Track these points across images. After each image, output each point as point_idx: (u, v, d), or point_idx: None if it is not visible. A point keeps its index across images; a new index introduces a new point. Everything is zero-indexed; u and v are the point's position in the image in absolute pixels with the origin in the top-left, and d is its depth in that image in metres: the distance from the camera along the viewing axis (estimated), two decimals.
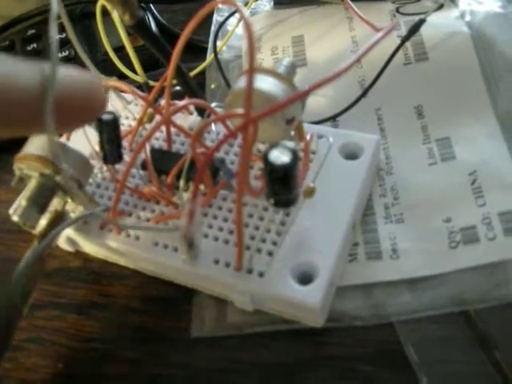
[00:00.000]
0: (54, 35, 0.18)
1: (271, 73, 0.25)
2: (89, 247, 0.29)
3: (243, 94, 0.21)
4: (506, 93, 0.29)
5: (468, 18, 0.32)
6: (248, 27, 0.21)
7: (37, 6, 0.40)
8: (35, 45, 0.38)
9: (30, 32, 0.39)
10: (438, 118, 0.29)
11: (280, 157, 0.21)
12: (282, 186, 0.22)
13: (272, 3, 0.37)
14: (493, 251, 0.25)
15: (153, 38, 0.27)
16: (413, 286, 0.26)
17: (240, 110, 0.22)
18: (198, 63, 0.35)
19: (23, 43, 0.38)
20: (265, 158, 0.21)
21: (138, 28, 0.26)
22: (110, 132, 0.26)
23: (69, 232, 0.28)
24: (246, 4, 0.37)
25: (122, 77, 0.32)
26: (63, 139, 0.30)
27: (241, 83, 0.24)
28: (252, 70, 0.21)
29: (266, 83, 0.24)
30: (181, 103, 0.27)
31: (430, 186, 0.28)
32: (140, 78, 0.31)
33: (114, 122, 0.26)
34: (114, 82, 0.29)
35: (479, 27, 0.32)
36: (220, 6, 0.38)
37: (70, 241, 0.29)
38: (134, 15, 0.26)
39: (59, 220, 0.27)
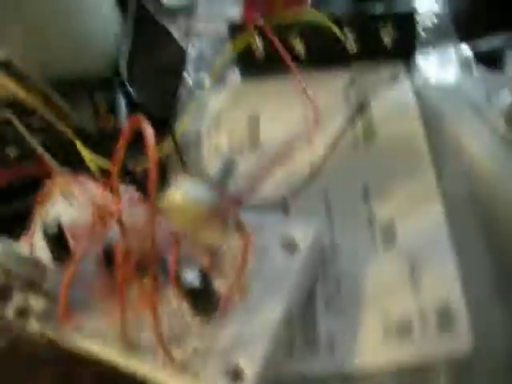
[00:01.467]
0: None
1: (199, 181, 0.26)
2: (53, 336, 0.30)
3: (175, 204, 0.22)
4: (452, 177, 0.30)
5: (421, 92, 0.33)
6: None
7: None
8: None
9: None
10: (383, 201, 0.30)
11: (191, 278, 0.22)
12: (196, 302, 0.23)
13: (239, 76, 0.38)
14: (425, 346, 0.26)
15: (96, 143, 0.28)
16: (346, 381, 0.26)
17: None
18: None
19: None
20: (177, 277, 0.22)
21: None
22: (53, 238, 0.28)
23: (34, 324, 0.30)
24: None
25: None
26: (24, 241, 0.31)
27: (178, 189, 0.25)
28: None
29: (192, 192, 0.25)
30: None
31: (371, 275, 0.28)
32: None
33: (57, 228, 0.28)
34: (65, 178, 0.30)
35: (430, 105, 0.32)
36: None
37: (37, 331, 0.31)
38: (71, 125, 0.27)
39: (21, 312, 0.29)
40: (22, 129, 0.28)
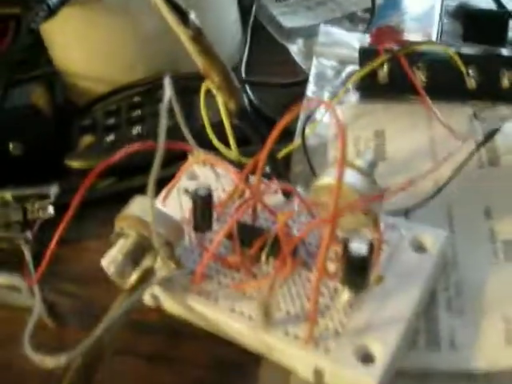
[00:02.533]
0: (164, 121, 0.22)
1: (354, 167, 0.27)
2: (169, 305, 0.32)
3: (330, 186, 0.24)
4: None
5: None
6: (341, 129, 0.24)
7: (144, 75, 0.44)
8: (139, 111, 0.42)
9: (136, 99, 0.43)
10: (505, 220, 0.31)
11: (359, 249, 0.24)
12: (357, 274, 0.24)
13: (358, 96, 0.40)
14: None
15: (252, 125, 0.30)
16: (470, 379, 0.27)
17: (326, 200, 0.24)
18: (283, 145, 0.38)
19: (128, 109, 0.42)
20: (345, 247, 0.24)
21: (240, 115, 0.29)
22: (203, 205, 0.29)
23: (154, 288, 0.31)
24: (334, 96, 0.40)
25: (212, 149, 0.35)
26: (160, 203, 0.33)
27: (329, 176, 0.27)
28: (342, 170, 0.23)
29: (349, 177, 0.27)
30: (271, 185, 0.30)
31: (492, 283, 0.30)
32: (233, 154, 0.34)
33: (209, 197, 0.29)
34: (210, 156, 0.32)
35: None
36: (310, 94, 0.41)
37: (154, 297, 0.32)
38: (239, 103, 0.29)
39: (148, 277, 0.30)
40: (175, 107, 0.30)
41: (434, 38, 0.43)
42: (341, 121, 0.24)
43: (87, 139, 0.42)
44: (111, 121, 0.42)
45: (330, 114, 0.38)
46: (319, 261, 0.25)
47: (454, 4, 0.47)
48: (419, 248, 0.30)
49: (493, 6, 0.46)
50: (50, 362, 0.26)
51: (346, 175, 0.26)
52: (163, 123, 0.23)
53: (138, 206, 0.30)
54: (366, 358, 0.27)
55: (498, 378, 0.27)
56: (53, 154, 0.41)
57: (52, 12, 0.37)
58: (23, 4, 0.41)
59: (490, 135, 0.34)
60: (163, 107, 0.23)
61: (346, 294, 0.27)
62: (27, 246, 0.37)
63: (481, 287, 0.30)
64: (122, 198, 0.31)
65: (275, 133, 0.27)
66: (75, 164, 0.41)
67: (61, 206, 0.35)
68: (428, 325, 0.29)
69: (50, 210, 0.38)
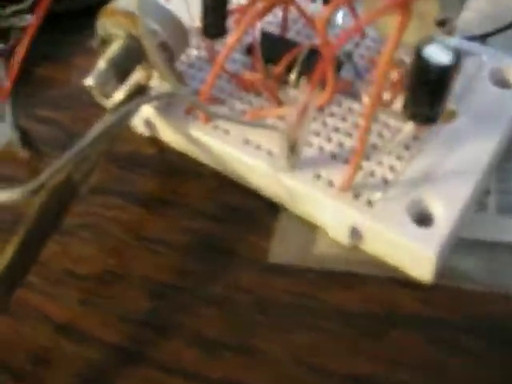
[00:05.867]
0: None
1: None
2: (167, 134, 0.25)
3: None
4: None
5: None
6: None
7: None
8: None
9: None
10: None
11: (439, 55, 0.16)
12: (431, 93, 0.17)
13: None
14: None
15: None
16: None
17: None
18: None
19: None
20: (417, 53, 0.16)
21: None
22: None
23: (148, 112, 0.24)
24: None
25: None
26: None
27: None
28: None
29: None
30: None
31: None
32: None
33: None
34: None
35: None
36: None
37: (148, 123, 0.25)
38: None
39: (140, 95, 0.23)
40: None
41: None
42: None
43: None
44: None
45: None
46: (378, 72, 0.17)
47: None
48: (501, 81, 0.23)
49: None
50: (1, 195, 0.20)
51: None
52: None
53: None
54: (423, 220, 0.20)
55: None
56: None
57: None
58: None
59: None
60: None
61: (404, 130, 0.20)
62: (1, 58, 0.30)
63: None
64: None
65: None
66: None
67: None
68: (502, 185, 0.22)
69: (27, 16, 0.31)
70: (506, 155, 0.22)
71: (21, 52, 0.24)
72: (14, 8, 0.32)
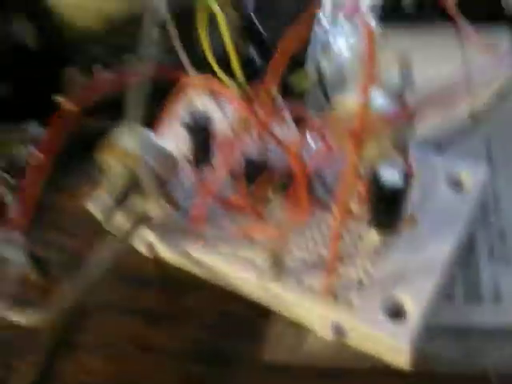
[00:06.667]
0: None
1: (382, 87, 0.23)
2: (166, 253, 0.28)
3: (352, 105, 0.20)
4: None
5: None
6: (369, 32, 0.19)
7: None
8: None
9: None
10: None
11: (392, 177, 0.20)
12: (388, 207, 0.20)
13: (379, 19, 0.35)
14: None
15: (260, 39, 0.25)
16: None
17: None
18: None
19: None
20: (374, 177, 0.20)
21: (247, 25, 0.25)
22: (202, 136, 0.25)
23: (148, 235, 0.27)
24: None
25: None
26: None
27: (351, 95, 0.23)
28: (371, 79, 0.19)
29: (376, 98, 0.23)
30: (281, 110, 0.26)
31: None
32: (237, 78, 0.29)
33: (208, 127, 0.25)
34: (210, 81, 0.27)
35: None
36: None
37: (149, 245, 0.28)
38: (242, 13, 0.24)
39: (138, 219, 0.26)
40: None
41: None
42: (368, 24, 0.19)
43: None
44: None
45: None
46: (341, 191, 0.20)
47: None
48: (456, 186, 0.26)
49: None
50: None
51: (372, 94, 0.22)
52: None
53: (124, 136, 0.25)
54: (396, 313, 0.23)
55: None
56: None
57: None
58: None
59: None
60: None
61: (372, 237, 0.23)
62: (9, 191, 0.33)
63: None
64: None
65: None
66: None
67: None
68: (467, 274, 0.25)
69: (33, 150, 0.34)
70: (468, 247, 0.25)
71: (34, 190, 0.27)
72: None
